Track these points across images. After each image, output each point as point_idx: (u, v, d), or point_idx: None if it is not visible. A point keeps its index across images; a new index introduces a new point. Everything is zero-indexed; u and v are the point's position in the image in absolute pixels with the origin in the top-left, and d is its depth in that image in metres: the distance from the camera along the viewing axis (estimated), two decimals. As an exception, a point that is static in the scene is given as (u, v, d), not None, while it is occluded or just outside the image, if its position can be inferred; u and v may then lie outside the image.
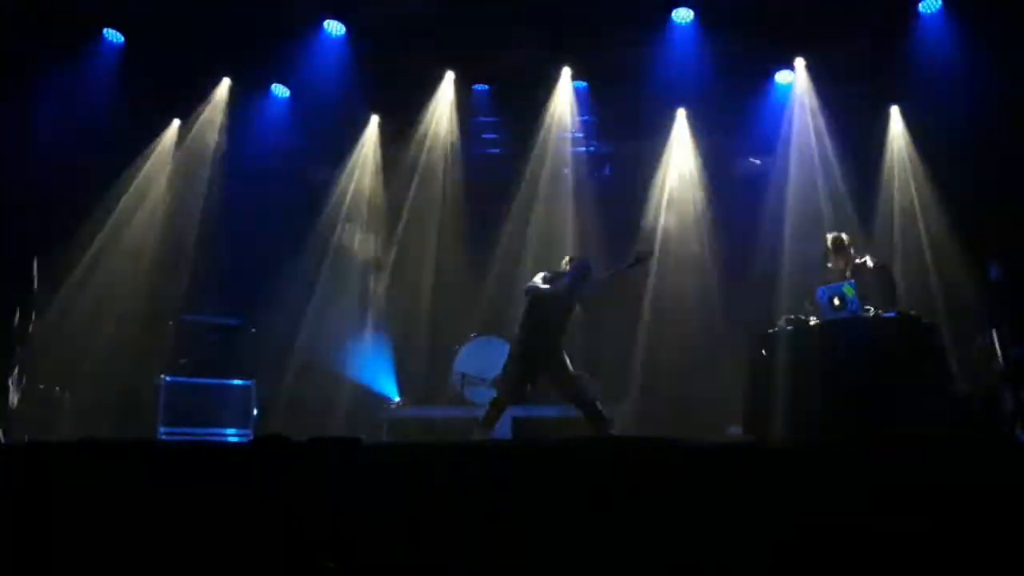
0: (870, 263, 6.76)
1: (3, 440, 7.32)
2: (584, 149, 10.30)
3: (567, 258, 7.13)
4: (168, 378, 8.32)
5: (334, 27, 9.19)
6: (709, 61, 8.98)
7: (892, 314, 6.33)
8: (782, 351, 6.73)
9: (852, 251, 6.89)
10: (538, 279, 6.85)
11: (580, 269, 6.78)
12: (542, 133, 9.90)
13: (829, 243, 6.93)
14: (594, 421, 6.54)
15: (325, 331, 9.65)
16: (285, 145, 10.26)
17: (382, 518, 3.52)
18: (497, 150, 10.64)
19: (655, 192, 10.05)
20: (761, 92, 9.68)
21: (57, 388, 8.25)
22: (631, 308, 9.39)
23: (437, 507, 3.58)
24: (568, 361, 6.76)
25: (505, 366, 6.85)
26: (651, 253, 7.04)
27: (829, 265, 6.94)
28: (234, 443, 7.97)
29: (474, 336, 9.06)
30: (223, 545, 3.35)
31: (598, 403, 6.65)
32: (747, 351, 7.43)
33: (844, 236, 6.98)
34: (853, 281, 6.62)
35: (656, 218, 9.94)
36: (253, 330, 8.99)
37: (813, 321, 6.70)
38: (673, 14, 8.98)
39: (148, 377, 8.47)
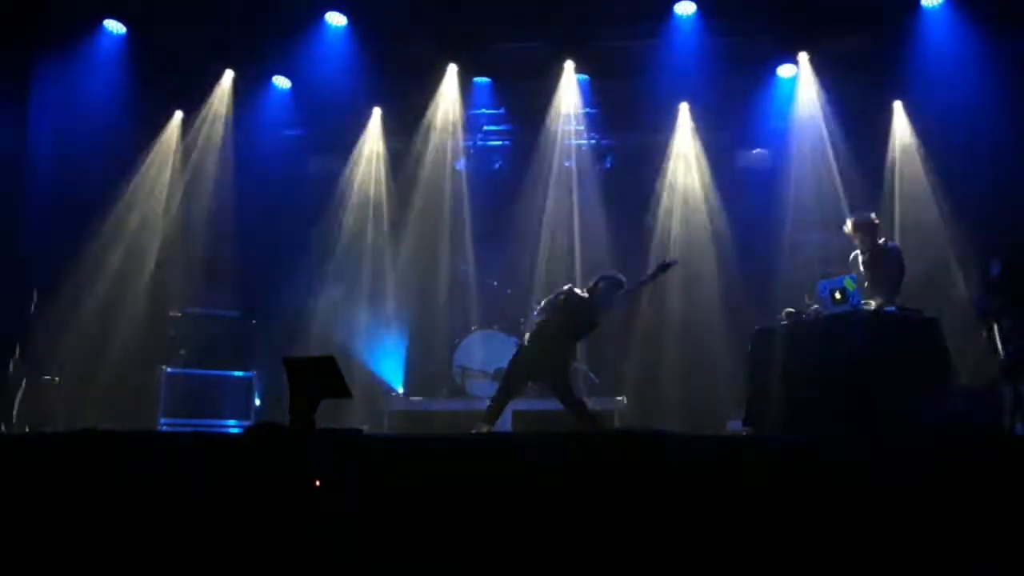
0: (889, 246, 6.83)
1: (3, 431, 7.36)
2: (587, 142, 10.28)
3: (598, 277, 7.03)
4: (169, 369, 8.34)
5: (335, 19, 9.16)
6: (711, 55, 8.96)
7: (892, 308, 6.35)
8: (782, 345, 6.74)
9: (875, 233, 6.90)
10: (563, 295, 6.86)
11: (609, 287, 6.75)
12: (545, 126, 9.89)
13: (854, 222, 6.95)
14: (585, 422, 6.56)
15: (335, 321, 9.68)
16: (288, 137, 10.26)
17: (381, 511, 3.52)
18: (500, 142, 10.62)
19: (658, 186, 10.03)
20: (764, 86, 9.65)
21: (57, 379, 8.27)
22: (633, 304, 9.38)
23: (437, 500, 3.59)
24: (569, 375, 6.84)
25: (511, 362, 6.86)
26: (675, 261, 7.03)
27: (854, 253, 6.96)
28: (233, 434, 7.98)
29: (474, 329, 9.07)
30: (222, 535, 3.36)
31: (588, 405, 6.66)
32: (748, 345, 7.43)
33: (863, 217, 6.98)
34: (854, 275, 6.64)
35: (659, 213, 9.93)
36: (253, 321, 9.00)
37: (813, 315, 6.71)
38: (675, 7, 8.95)
39: (149, 368, 8.49)
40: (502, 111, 10.33)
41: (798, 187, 9.25)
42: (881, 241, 6.91)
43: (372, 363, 9.68)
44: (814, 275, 7.71)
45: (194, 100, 9.58)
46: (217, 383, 8.50)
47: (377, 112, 10.34)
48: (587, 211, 9.85)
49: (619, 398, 8.55)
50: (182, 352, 8.56)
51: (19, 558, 3.42)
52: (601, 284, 6.73)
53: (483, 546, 3.40)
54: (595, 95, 9.90)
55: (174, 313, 8.84)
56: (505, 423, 7.49)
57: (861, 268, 6.85)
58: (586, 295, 6.73)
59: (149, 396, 8.30)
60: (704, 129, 9.96)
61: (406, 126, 10.19)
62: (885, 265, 6.74)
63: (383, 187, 10.39)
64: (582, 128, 10.19)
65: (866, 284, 6.72)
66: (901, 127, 9.44)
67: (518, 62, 9.57)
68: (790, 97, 9.51)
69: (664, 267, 6.89)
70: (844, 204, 8.62)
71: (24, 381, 8.12)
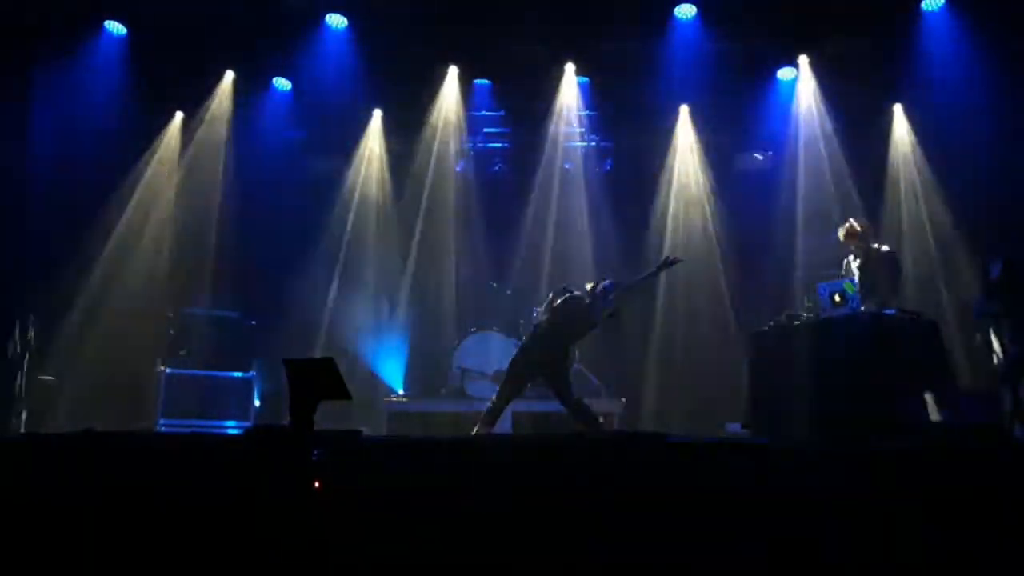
0: (883, 250, 6.82)
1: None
2: (587, 144, 10.30)
3: (594, 282, 7.06)
4: (168, 369, 8.34)
5: (336, 20, 9.17)
6: (712, 58, 8.97)
7: (892, 311, 6.35)
8: (782, 348, 6.74)
9: (869, 238, 6.93)
10: (561, 296, 6.89)
11: (607, 288, 6.77)
12: (546, 128, 9.90)
13: (846, 230, 6.98)
14: (585, 423, 6.57)
15: (335, 322, 9.69)
16: (288, 138, 10.27)
17: (382, 512, 3.52)
18: (500, 144, 10.63)
19: (658, 188, 10.05)
20: (764, 89, 9.66)
21: (55, 379, 8.28)
22: (635, 305, 9.39)
23: (437, 503, 3.59)
24: (569, 376, 6.86)
25: (511, 363, 6.87)
26: (679, 259, 7.01)
27: (850, 257, 6.98)
28: (231, 435, 7.98)
29: (473, 331, 9.08)
30: (220, 536, 3.35)
31: (589, 408, 6.68)
32: (748, 347, 7.44)
33: (857, 223, 7.00)
34: (854, 277, 6.65)
35: (659, 215, 9.94)
36: (253, 322, 9.00)
37: (812, 317, 6.72)
38: (676, 10, 8.95)
39: (149, 368, 8.50)
40: (502, 113, 10.34)
41: (798, 189, 9.26)
42: (876, 245, 6.92)
43: (372, 364, 9.69)
44: (814, 277, 7.72)
45: (195, 101, 9.61)
46: (217, 384, 8.50)
47: (378, 114, 10.37)
48: (587, 213, 9.87)
49: (620, 400, 8.55)
50: (182, 352, 8.56)
51: (19, 559, 3.42)
52: (600, 285, 6.75)
53: (483, 548, 3.40)
54: (595, 97, 9.92)
55: (174, 313, 8.84)
56: (505, 424, 7.49)
57: (857, 272, 6.86)
58: (585, 296, 6.75)
59: (148, 396, 8.30)
60: (704, 131, 9.99)
61: (407, 128, 10.22)
62: (881, 268, 6.76)
63: (383, 188, 10.41)
64: (582, 130, 10.22)
65: (862, 287, 6.74)
66: (901, 130, 9.47)
67: (518, 64, 9.57)
68: (790, 100, 9.53)
69: (668, 264, 6.88)
70: (844, 206, 8.63)
71: (24, 381, 8.12)
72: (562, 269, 9.44)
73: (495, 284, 9.72)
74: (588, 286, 6.85)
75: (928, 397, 5.86)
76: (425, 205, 10.16)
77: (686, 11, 8.96)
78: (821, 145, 9.20)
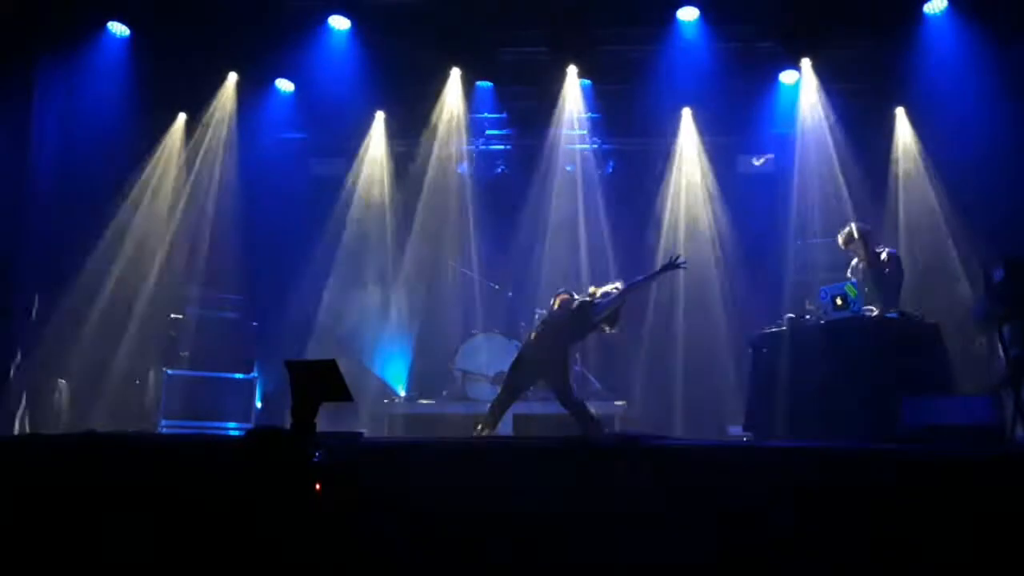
0: (885, 253, 6.82)
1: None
2: (589, 146, 10.30)
3: (596, 285, 7.07)
4: (170, 371, 8.35)
5: (339, 22, 9.17)
6: (714, 61, 8.97)
7: (894, 314, 6.35)
8: (783, 351, 6.74)
9: (869, 242, 6.93)
10: (562, 298, 6.91)
11: (607, 292, 6.78)
12: (548, 130, 9.90)
13: (846, 235, 6.98)
14: (586, 425, 6.58)
15: (338, 324, 9.70)
16: (291, 140, 10.28)
17: (382, 514, 3.52)
18: (502, 146, 10.63)
19: (661, 191, 10.05)
20: (767, 92, 9.66)
21: (60, 381, 8.28)
22: (635, 307, 9.39)
23: (437, 504, 3.59)
24: (569, 378, 6.86)
25: (512, 365, 6.89)
26: (683, 261, 6.96)
27: (854, 261, 6.98)
28: (233, 436, 7.99)
29: (476, 333, 9.09)
30: (221, 537, 3.36)
31: (589, 408, 6.68)
32: (749, 350, 7.44)
33: (857, 227, 7.00)
34: (855, 280, 6.66)
35: (661, 218, 9.94)
36: (255, 324, 9.01)
37: (813, 320, 6.72)
38: (678, 13, 8.95)
39: (151, 369, 8.50)
40: (504, 115, 10.34)
41: (801, 192, 9.26)
42: (879, 248, 6.92)
43: (374, 366, 9.69)
44: (816, 280, 7.72)
45: (198, 103, 9.60)
46: (218, 385, 8.51)
47: (380, 116, 10.36)
48: (589, 215, 9.87)
49: (620, 402, 8.55)
50: (183, 354, 8.57)
51: (21, 559, 3.43)
52: (601, 289, 6.77)
53: (483, 549, 3.40)
54: (597, 100, 9.91)
55: (176, 314, 8.85)
56: (506, 426, 7.50)
57: (861, 276, 6.86)
58: (585, 298, 6.76)
59: (150, 398, 8.31)
60: (706, 134, 9.98)
61: (409, 130, 10.21)
62: (884, 272, 6.76)
63: (386, 190, 10.42)
64: (584, 132, 10.21)
65: (867, 291, 6.73)
66: (904, 133, 9.45)
67: (521, 66, 9.58)
68: (793, 103, 9.51)
69: (671, 266, 6.85)
70: (847, 209, 8.62)
71: (27, 383, 8.13)
72: (563, 271, 9.44)
73: (496, 286, 9.72)
74: (591, 289, 6.87)
75: (930, 400, 5.85)
76: (427, 207, 10.15)
77: (688, 14, 8.94)
78: (824, 148, 9.19)
